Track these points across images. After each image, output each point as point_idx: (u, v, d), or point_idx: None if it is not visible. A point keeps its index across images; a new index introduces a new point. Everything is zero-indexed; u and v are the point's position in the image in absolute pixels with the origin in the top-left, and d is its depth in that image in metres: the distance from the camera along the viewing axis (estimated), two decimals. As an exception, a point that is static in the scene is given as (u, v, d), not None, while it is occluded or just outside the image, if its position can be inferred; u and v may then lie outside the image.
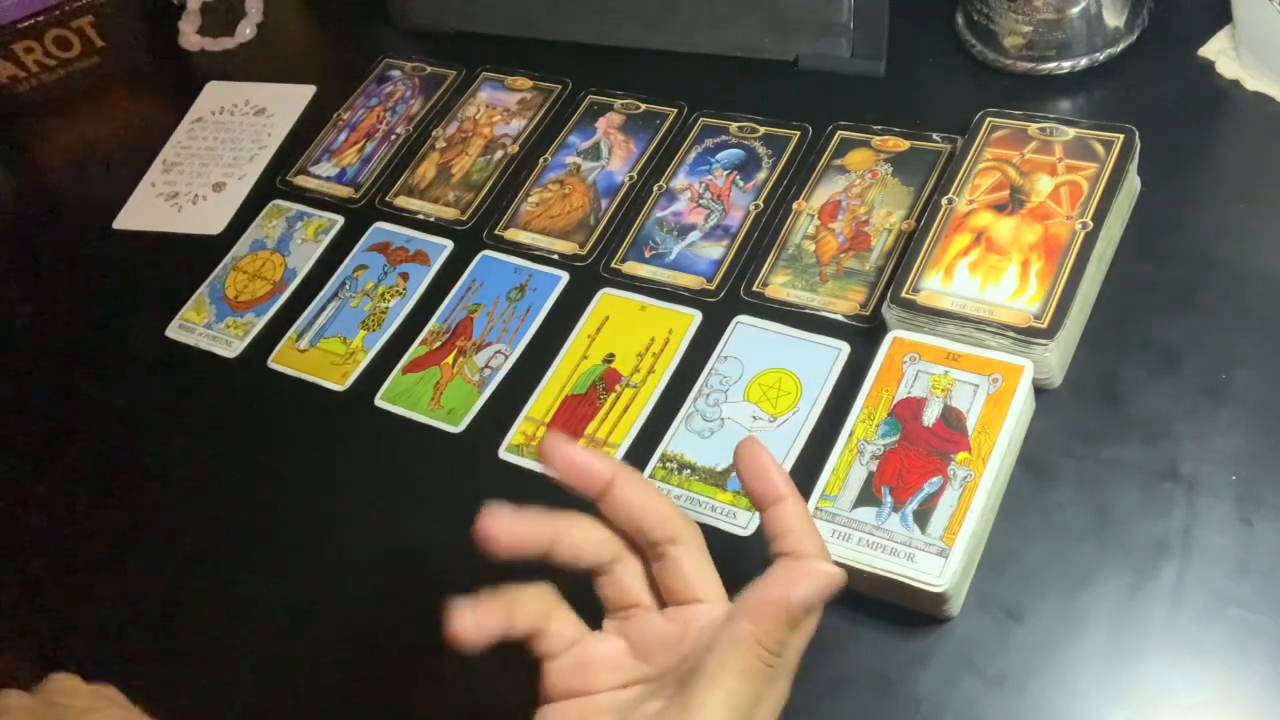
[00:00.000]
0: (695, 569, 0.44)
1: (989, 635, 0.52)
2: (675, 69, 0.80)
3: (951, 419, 0.54)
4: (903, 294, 0.59)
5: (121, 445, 0.71)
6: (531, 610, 0.43)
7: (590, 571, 0.44)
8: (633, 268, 0.70)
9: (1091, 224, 0.59)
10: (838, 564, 0.51)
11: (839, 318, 0.64)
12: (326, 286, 0.75)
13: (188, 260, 0.80)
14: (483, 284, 0.72)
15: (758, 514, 0.57)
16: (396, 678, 0.58)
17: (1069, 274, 0.57)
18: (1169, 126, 0.66)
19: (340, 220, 0.79)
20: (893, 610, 0.53)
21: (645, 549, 0.45)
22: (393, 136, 0.83)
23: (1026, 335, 0.56)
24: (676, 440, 0.61)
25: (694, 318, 0.67)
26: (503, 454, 0.64)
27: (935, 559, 0.50)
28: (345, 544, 0.63)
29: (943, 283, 0.59)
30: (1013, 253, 0.59)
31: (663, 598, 0.45)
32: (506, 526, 0.43)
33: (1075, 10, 0.69)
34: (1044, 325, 0.56)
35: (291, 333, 0.73)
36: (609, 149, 0.77)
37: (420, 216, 0.77)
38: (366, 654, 0.59)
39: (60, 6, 0.92)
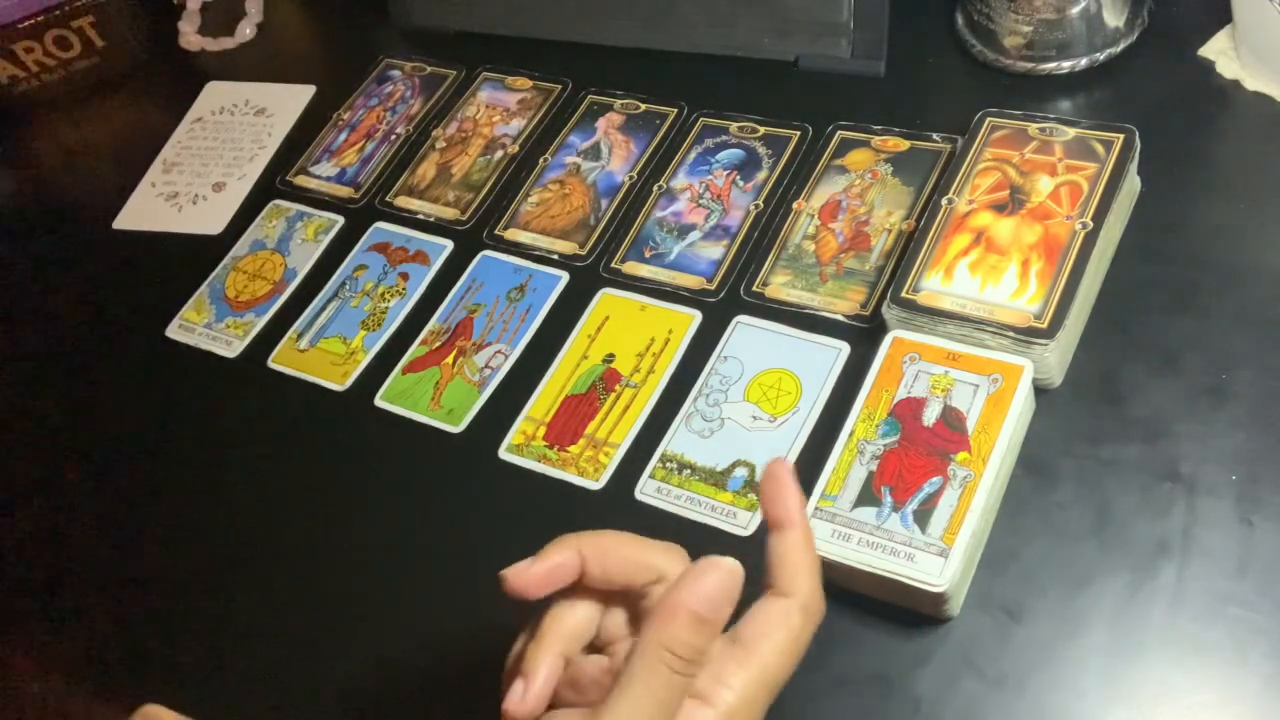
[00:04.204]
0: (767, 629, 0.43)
1: (989, 635, 0.52)
2: (675, 69, 0.80)
3: (951, 419, 0.54)
4: (903, 294, 0.59)
5: (121, 445, 0.71)
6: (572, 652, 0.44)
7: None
8: (633, 268, 0.70)
9: (1091, 224, 0.59)
10: (838, 564, 0.52)
11: (839, 318, 0.64)
12: (326, 286, 0.75)
13: (188, 260, 0.80)
14: (483, 284, 0.72)
15: (758, 514, 0.57)
16: (397, 672, 0.58)
17: (1069, 274, 0.57)
18: (1169, 126, 0.66)
19: (340, 220, 0.79)
20: (893, 610, 0.53)
21: (630, 593, 0.45)
22: (393, 136, 0.83)
23: (1026, 335, 0.56)
24: (676, 440, 0.61)
25: (694, 318, 0.67)
26: (503, 454, 0.64)
27: (935, 559, 0.50)
28: (345, 543, 0.63)
29: (943, 283, 0.59)
30: (1013, 253, 0.59)
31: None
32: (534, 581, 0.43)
33: (1075, 10, 0.69)
34: (1044, 325, 0.56)
35: (291, 333, 0.73)
36: (609, 149, 0.77)
37: (420, 216, 0.77)
38: (365, 651, 0.58)
39: (60, 6, 0.92)
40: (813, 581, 0.43)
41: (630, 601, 0.46)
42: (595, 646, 0.45)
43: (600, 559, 0.43)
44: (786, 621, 0.42)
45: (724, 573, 0.40)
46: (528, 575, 0.42)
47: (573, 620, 0.44)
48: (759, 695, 0.41)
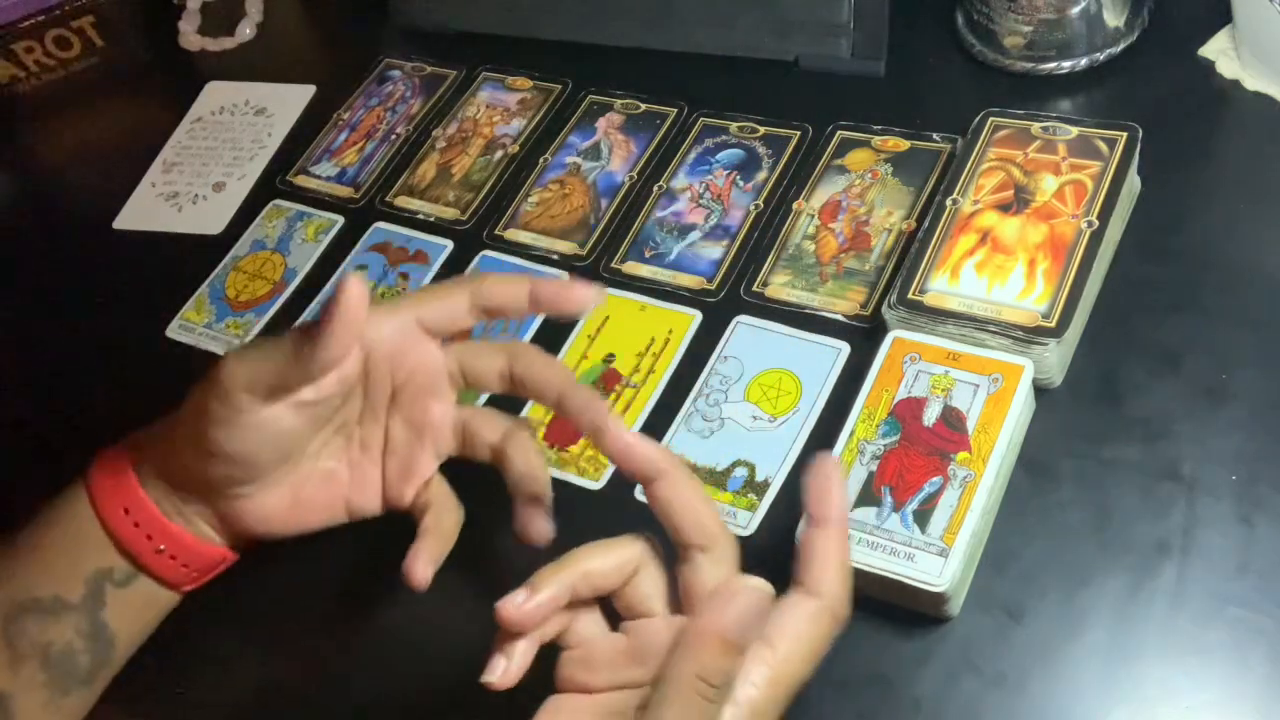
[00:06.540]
0: (714, 580, 0.44)
1: (989, 635, 0.52)
2: (675, 69, 0.80)
3: (951, 419, 0.54)
4: (909, 295, 0.59)
5: (121, 445, 0.71)
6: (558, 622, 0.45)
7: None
8: (633, 268, 0.70)
9: (1097, 222, 0.59)
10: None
11: (839, 318, 0.64)
12: (327, 286, 0.75)
13: (188, 260, 0.79)
14: (483, 284, 0.72)
15: (758, 514, 0.58)
16: (388, 666, 0.58)
17: (1076, 272, 0.57)
18: (1169, 126, 0.66)
19: (340, 220, 0.79)
20: (893, 610, 0.53)
21: (677, 548, 0.45)
22: (393, 136, 0.83)
23: (1034, 334, 0.56)
24: (676, 440, 0.61)
25: (694, 318, 0.67)
26: (503, 454, 0.64)
27: (935, 559, 0.50)
28: (344, 542, 0.63)
29: (949, 283, 0.59)
30: (1019, 252, 0.59)
31: (680, 601, 0.46)
32: (527, 615, 0.44)
33: (1075, 10, 0.69)
34: (1052, 324, 0.56)
35: (291, 333, 0.73)
36: (609, 149, 0.77)
37: (420, 216, 0.77)
38: (362, 650, 0.58)
39: (60, 6, 0.92)
40: (843, 583, 0.43)
41: (653, 568, 0.46)
42: (623, 610, 0.46)
43: (586, 582, 0.44)
44: (815, 624, 0.43)
45: (755, 595, 0.40)
46: (523, 612, 0.43)
47: (599, 562, 0.44)
48: (780, 694, 0.42)
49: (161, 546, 0.54)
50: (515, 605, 0.43)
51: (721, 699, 0.40)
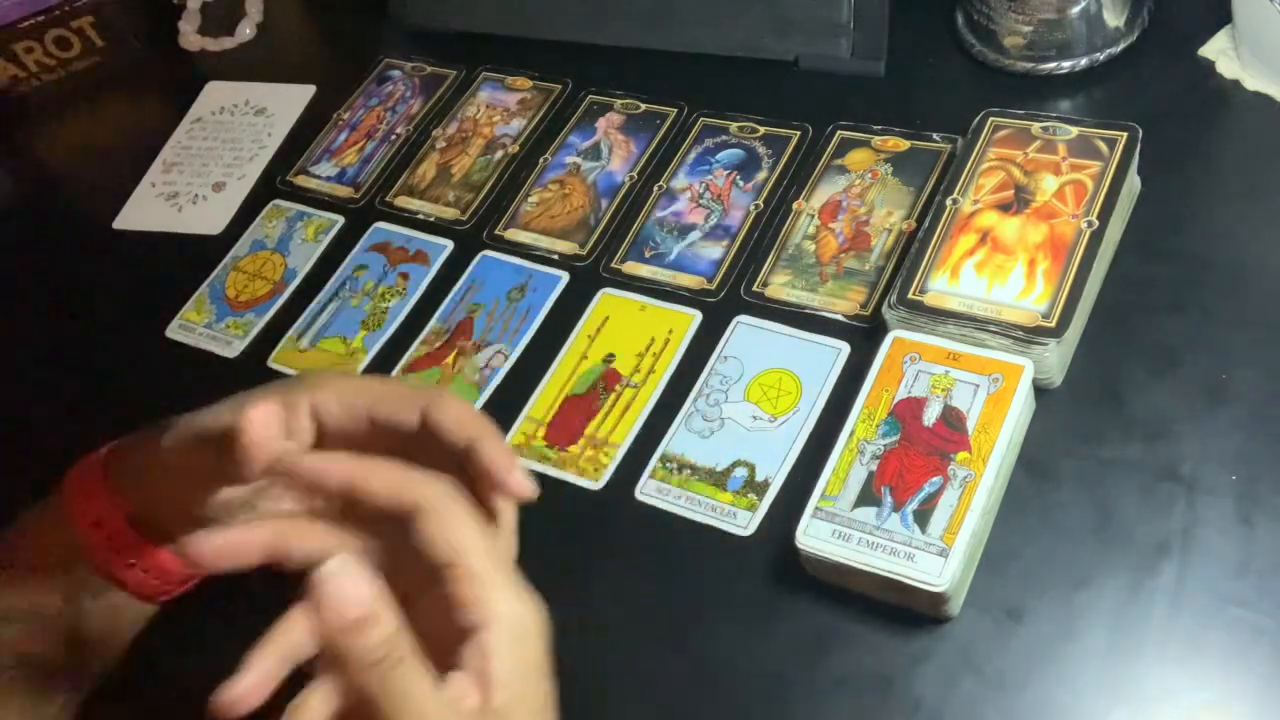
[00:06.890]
0: (442, 534, 0.42)
1: (989, 635, 0.52)
2: (675, 69, 0.80)
3: (952, 419, 0.54)
4: (909, 295, 0.59)
5: (121, 445, 0.71)
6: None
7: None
8: (633, 268, 0.70)
9: (1097, 222, 0.59)
10: (838, 564, 0.52)
11: (839, 318, 0.64)
12: (326, 286, 0.75)
13: (188, 260, 0.79)
14: (483, 284, 0.72)
15: (758, 514, 0.57)
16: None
17: (1076, 272, 0.57)
18: (1169, 126, 0.66)
19: (340, 220, 0.79)
20: (893, 610, 0.53)
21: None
22: (393, 136, 0.83)
23: (1034, 334, 0.56)
24: (676, 440, 0.61)
25: (694, 318, 0.67)
26: (503, 454, 0.64)
27: (935, 559, 0.50)
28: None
29: (949, 283, 0.59)
30: (1019, 252, 0.59)
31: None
32: (240, 700, 0.40)
33: (1075, 10, 0.69)
34: (1052, 325, 0.56)
35: (292, 333, 0.73)
36: (609, 149, 0.77)
37: (420, 216, 0.77)
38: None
39: (60, 6, 0.92)
40: (409, 473, 0.43)
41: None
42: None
43: (304, 649, 0.42)
44: (451, 512, 0.42)
45: (340, 575, 0.39)
46: (233, 697, 0.40)
47: (303, 627, 0.41)
48: (504, 581, 0.42)
49: (133, 561, 0.53)
50: (224, 695, 0.40)
51: (400, 656, 0.39)
